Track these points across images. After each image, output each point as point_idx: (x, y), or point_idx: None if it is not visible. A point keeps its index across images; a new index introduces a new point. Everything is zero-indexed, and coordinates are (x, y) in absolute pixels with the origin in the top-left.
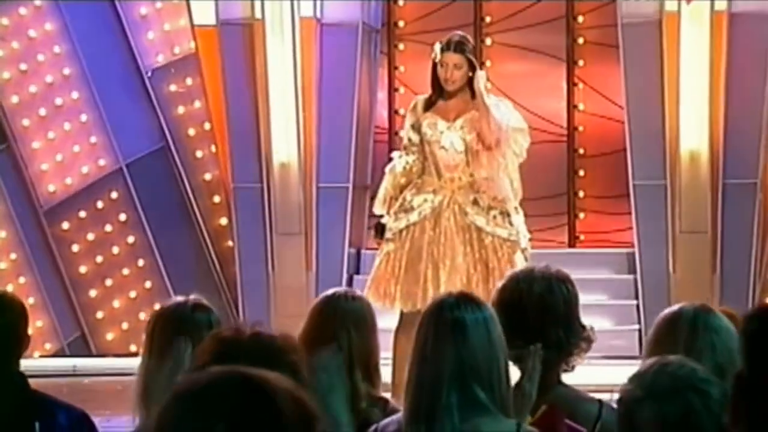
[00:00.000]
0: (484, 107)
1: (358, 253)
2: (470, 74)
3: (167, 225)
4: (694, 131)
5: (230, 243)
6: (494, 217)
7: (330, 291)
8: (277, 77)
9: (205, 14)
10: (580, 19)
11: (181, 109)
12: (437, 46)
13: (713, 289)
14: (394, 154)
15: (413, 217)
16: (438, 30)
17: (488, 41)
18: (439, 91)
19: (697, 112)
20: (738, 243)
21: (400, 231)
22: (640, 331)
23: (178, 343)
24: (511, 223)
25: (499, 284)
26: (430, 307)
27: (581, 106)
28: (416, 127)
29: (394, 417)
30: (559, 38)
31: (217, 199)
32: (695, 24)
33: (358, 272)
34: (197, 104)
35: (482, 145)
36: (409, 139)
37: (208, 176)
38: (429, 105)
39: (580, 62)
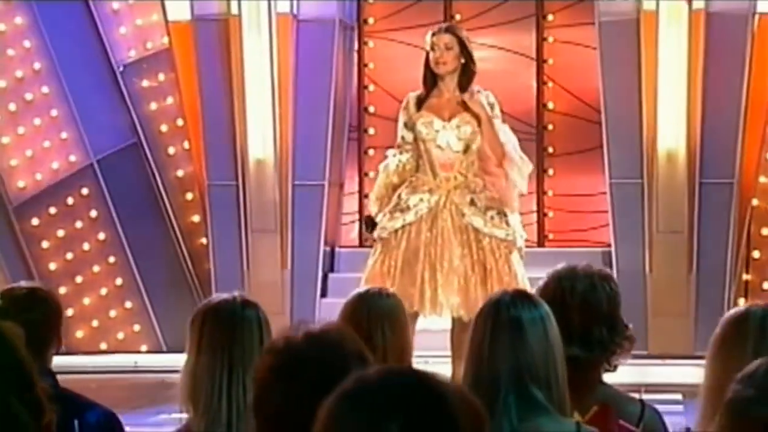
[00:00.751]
0: (490, 127)
1: (332, 251)
2: (462, 61)
3: (138, 222)
4: (671, 130)
5: (203, 240)
6: (491, 217)
7: (362, 289)
8: (253, 74)
9: (179, 9)
10: (550, 17)
11: (153, 105)
12: (428, 34)
13: (689, 288)
14: (389, 152)
15: (409, 216)
16: (408, 28)
17: None
18: (431, 84)
19: (675, 111)
20: (714, 243)
21: (395, 231)
22: None
23: (230, 340)
24: (507, 223)
25: (541, 283)
26: (486, 306)
27: (551, 105)
28: (409, 126)
29: None
30: (528, 37)
31: (189, 196)
32: (673, 23)
33: (332, 270)
34: (170, 100)
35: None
36: (403, 138)
37: (180, 173)
38: (421, 102)
39: (550, 61)
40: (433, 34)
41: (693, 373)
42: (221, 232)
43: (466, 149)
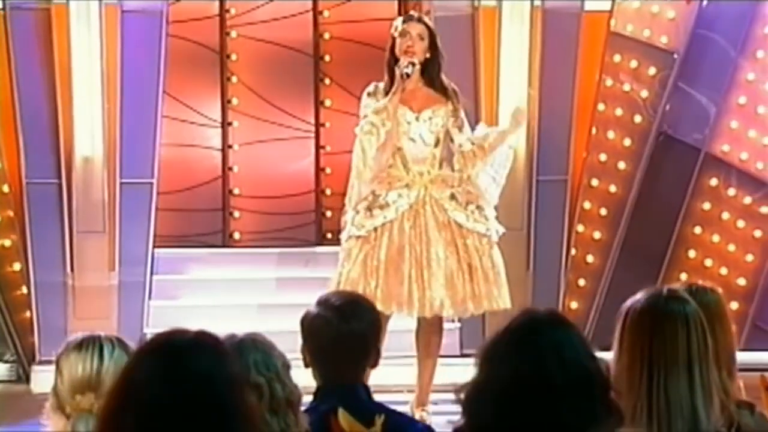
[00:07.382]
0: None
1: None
2: (428, 55)
3: None
4: None
5: (5, 242)
6: (472, 212)
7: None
8: (81, 66)
9: None
10: (326, 13)
11: None
12: (398, 20)
13: (527, 286)
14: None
15: (390, 213)
16: (179, 21)
17: (233, 34)
18: (392, 75)
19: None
20: (549, 241)
21: (375, 228)
22: (460, 329)
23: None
24: (486, 217)
25: None
26: None
27: (327, 103)
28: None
29: None
30: (305, 32)
31: None
32: (516, 20)
33: (152, 272)
34: None
35: None
36: (372, 123)
37: None
38: (387, 93)
39: (327, 57)
40: (405, 21)
41: None
42: (40, 232)
43: (437, 142)
